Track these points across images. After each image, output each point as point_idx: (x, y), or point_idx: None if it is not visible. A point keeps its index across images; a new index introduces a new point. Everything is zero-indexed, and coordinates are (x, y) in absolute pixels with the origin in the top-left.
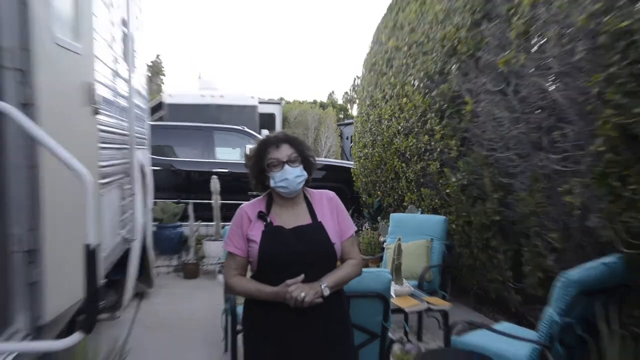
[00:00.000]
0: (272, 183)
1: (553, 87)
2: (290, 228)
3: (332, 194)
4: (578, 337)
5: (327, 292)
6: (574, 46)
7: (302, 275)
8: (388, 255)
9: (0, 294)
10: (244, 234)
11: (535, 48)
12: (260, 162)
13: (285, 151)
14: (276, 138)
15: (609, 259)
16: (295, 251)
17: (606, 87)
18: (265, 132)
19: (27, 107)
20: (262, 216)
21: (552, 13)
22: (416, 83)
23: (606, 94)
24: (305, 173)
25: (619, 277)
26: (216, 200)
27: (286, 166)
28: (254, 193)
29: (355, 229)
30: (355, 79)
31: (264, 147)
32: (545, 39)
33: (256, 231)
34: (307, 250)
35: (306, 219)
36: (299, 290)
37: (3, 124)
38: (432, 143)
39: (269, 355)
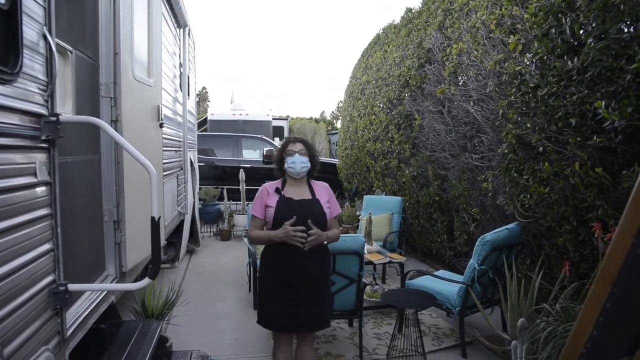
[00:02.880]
0: (285, 165)
1: (473, 109)
2: (296, 199)
3: (327, 184)
4: (490, 278)
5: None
6: (486, 82)
7: (302, 227)
8: (362, 224)
9: (98, 250)
10: (263, 203)
11: (461, 83)
12: (282, 152)
13: (298, 146)
14: (295, 138)
15: (510, 226)
16: (298, 214)
17: (507, 109)
18: (277, 139)
19: (115, 122)
20: (278, 191)
21: (471, 60)
22: (381, 105)
23: (508, 114)
24: (309, 164)
25: (516, 238)
26: (242, 186)
27: (297, 155)
28: (269, 182)
29: (340, 211)
30: (339, 102)
31: (287, 142)
32: (467, 77)
33: (273, 201)
34: (306, 214)
35: (308, 196)
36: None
37: (99, 134)
38: (392, 147)
39: (277, 290)
